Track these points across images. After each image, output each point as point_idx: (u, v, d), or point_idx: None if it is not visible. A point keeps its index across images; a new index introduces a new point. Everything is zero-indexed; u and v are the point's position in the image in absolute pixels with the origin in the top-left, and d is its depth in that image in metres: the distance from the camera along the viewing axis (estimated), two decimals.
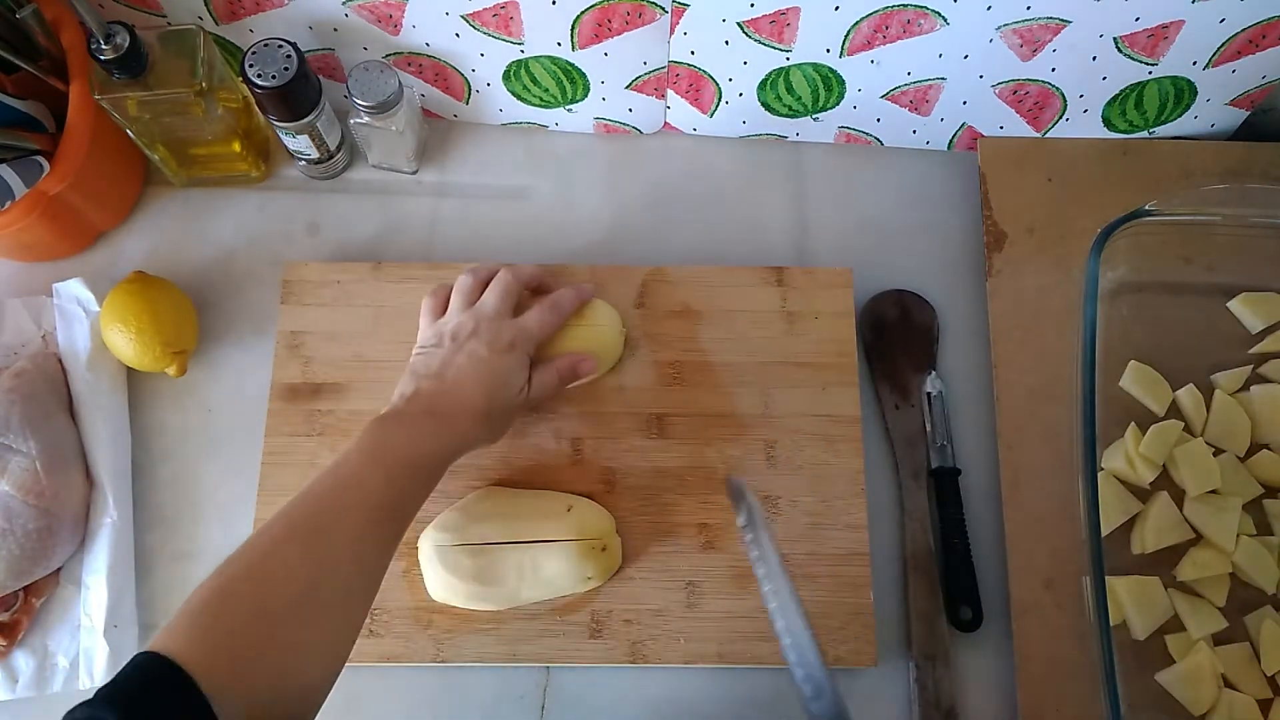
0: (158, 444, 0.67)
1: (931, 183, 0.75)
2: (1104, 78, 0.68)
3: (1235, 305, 0.68)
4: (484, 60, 0.69)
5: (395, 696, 0.62)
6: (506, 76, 0.70)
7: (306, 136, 0.68)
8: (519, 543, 0.60)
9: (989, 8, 0.61)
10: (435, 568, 0.60)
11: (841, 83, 0.69)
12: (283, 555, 0.48)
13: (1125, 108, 0.70)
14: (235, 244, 0.72)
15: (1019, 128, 0.73)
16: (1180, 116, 0.71)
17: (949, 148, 0.76)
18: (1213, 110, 0.71)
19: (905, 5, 0.61)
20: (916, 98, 0.70)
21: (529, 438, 0.65)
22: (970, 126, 0.73)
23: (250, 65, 0.63)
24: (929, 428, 0.67)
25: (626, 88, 0.71)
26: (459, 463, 0.58)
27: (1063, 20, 0.62)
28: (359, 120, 0.67)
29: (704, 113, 0.74)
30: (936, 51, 0.65)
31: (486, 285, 0.62)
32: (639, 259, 0.71)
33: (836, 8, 0.62)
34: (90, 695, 0.47)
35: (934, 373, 0.68)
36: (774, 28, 0.64)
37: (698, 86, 0.71)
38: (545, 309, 0.61)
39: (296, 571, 0.48)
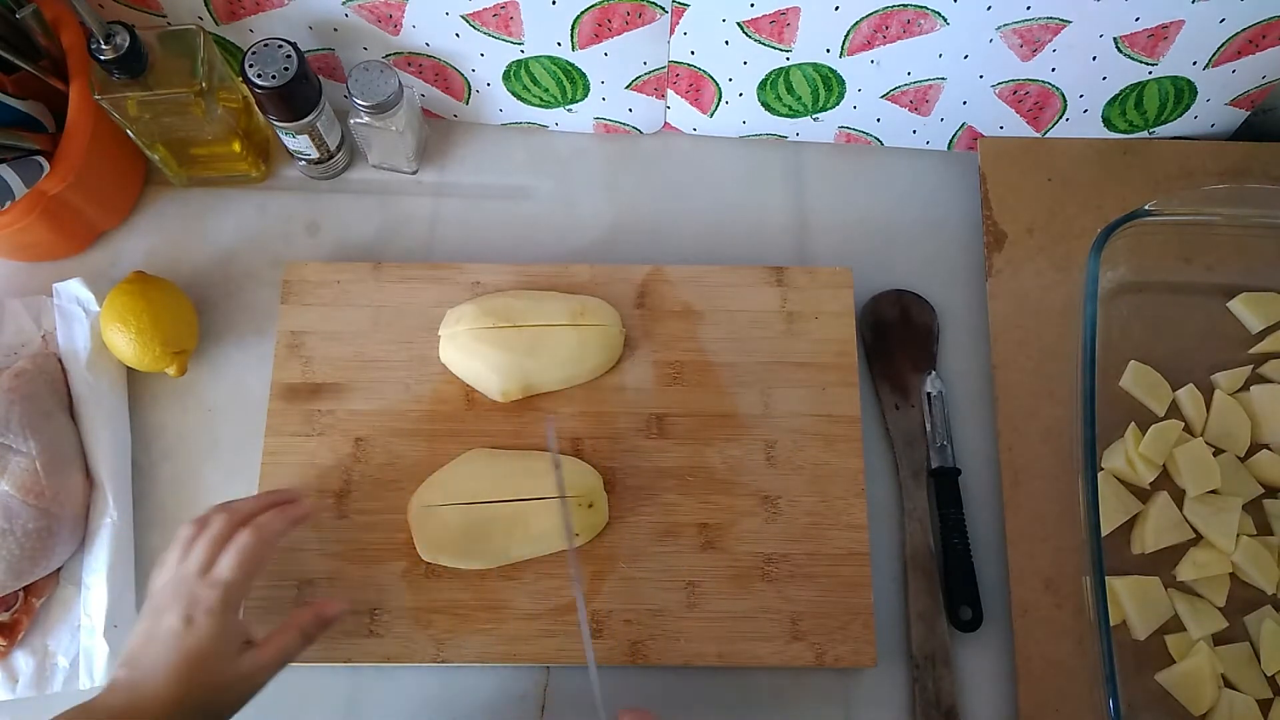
0: (158, 444, 0.67)
1: (931, 183, 0.75)
2: (1104, 78, 0.68)
3: (1235, 305, 0.68)
4: (484, 60, 0.69)
5: (395, 696, 0.62)
6: (506, 76, 0.70)
7: (306, 136, 0.68)
8: (507, 501, 0.61)
9: (989, 8, 0.61)
10: (425, 528, 0.61)
11: (841, 83, 0.69)
12: None
13: (1125, 108, 0.70)
14: (235, 244, 0.72)
15: (1019, 128, 0.73)
16: (1180, 116, 0.71)
17: (949, 148, 0.76)
18: (1213, 110, 0.71)
19: (905, 5, 0.61)
20: (916, 98, 0.70)
21: (529, 438, 0.65)
22: (970, 126, 0.73)
23: (250, 65, 0.63)
24: (929, 428, 0.67)
25: (626, 88, 0.71)
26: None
27: (1063, 20, 0.62)
28: (359, 120, 0.67)
29: (704, 113, 0.74)
30: (936, 51, 0.65)
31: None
32: (639, 259, 0.71)
33: (836, 8, 0.62)
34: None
35: (934, 373, 0.68)
36: (774, 28, 0.64)
37: (698, 86, 0.71)
38: (241, 546, 0.52)
39: None
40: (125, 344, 0.64)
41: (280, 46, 0.63)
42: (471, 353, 0.64)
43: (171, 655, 0.49)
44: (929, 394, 0.68)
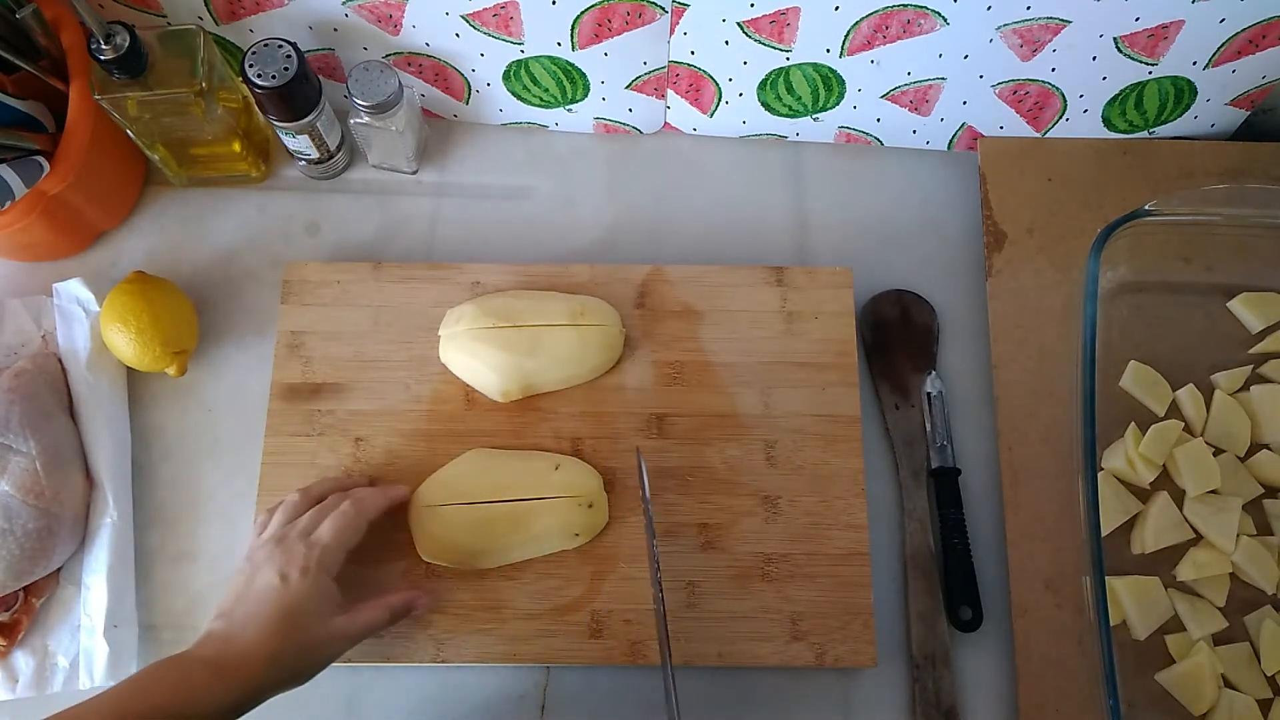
0: (158, 444, 0.67)
1: (931, 183, 0.75)
2: (1104, 78, 0.68)
3: (1235, 305, 0.68)
4: (484, 60, 0.69)
5: (395, 696, 0.62)
6: (506, 76, 0.70)
7: (306, 136, 0.68)
8: (507, 501, 0.61)
9: (989, 8, 0.61)
10: (425, 528, 0.61)
11: (841, 83, 0.69)
12: None
13: (1125, 108, 0.70)
14: (235, 244, 0.72)
15: (1019, 128, 0.73)
16: (1180, 116, 0.71)
17: (949, 148, 0.76)
18: (1213, 110, 0.71)
19: (905, 5, 0.61)
20: (916, 98, 0.70)
21: (529, 438, 0.65)
22: (970, 126, 0.73)
23: (250, 65, 0.63)
24: (929, 428, 0.67)
25: (626, 88, 0.71)
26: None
27: (1063, 20, 0.62)
28: (359, 120, 0.67)
29: (704, 113, 0.74)
30: (936, 51, 0.65)
31: (314, 503, 0.58)
32: (639, 259, 0.71)
33: (836, 8, 0.62)
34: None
35: (934, 373, 0.68)
36: (774, 28, 0.64)
37: (698, 86, 0.71)
38: (342, 514, 0.55)
39: None
40: (125, 344, 0.64)
41: (280, 46, 0.63)
42: (471, 353, 0.64)
43: (268, 609, 0.51)
44: (929, 394, 0.68)
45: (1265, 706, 0.59)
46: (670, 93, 0.72)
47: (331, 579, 0.54)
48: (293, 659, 0.51)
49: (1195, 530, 0.62)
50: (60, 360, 0.65)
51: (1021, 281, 0.69)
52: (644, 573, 0.62)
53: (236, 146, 0.69)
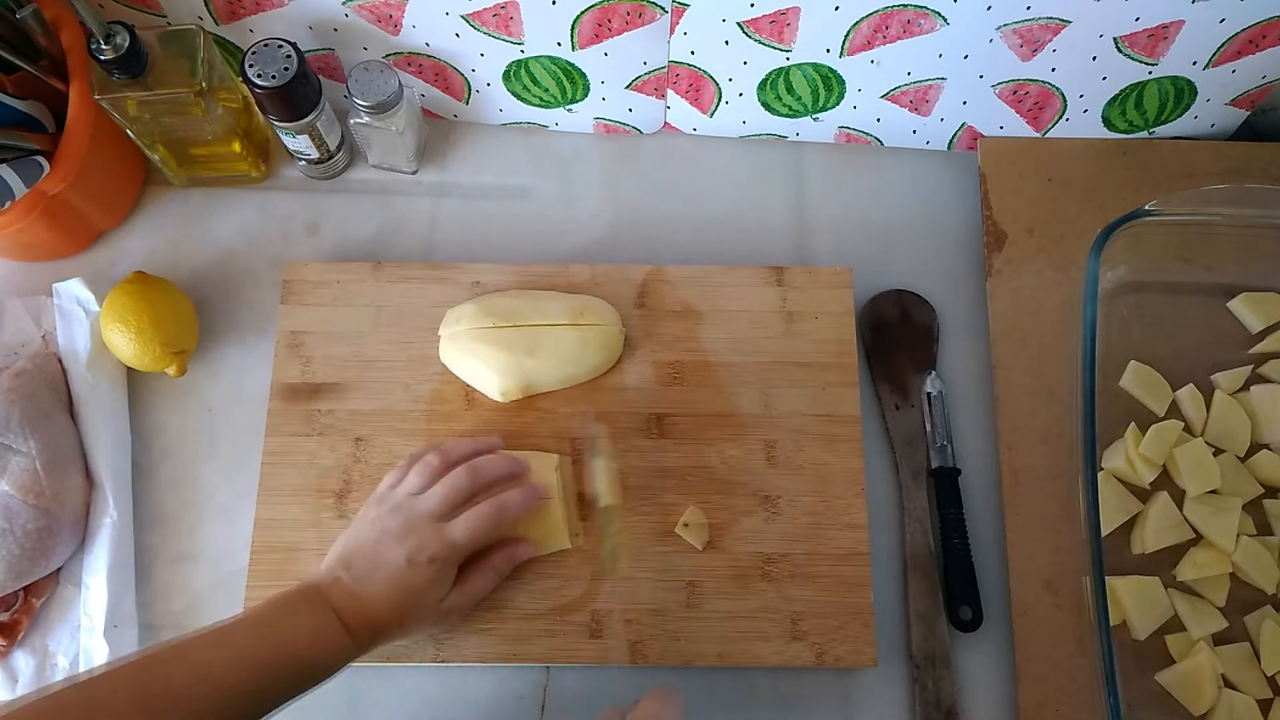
0: (158, 444, 0.67)
1: (931, 183, 0.75)
2: (1104, 78, 0.68)
3: (1235, 305, 0.68)
4: (484, 60, 0.69)
5: (395, 696, 0.62)
6: (506, 76, 0.70)
7: (306, 136, 0.68)
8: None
9: (989, 8, 0.62)
10: None
11: (841, 83, 0.69)
12: (112, 703, 0.45)
13: (1125, 108, 0.70)
14: (235, 244, 0.72)
15: (1019, 128, 0.73)
16: (1180, 116, 0.71)
17: (949, 148, 0.76)
18: (1213, 110, 0.71)
19: (905, 5, 0.61)
20: (916, 98, 0.70)
21: (529, 438, 0.65)
22: (970, 126, 0.73)
23: (250, 65, 0.63)
24: (929, 428, 0.67)
25: (626, 88, 0.71)
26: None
27: (1063, 20, 0.62)
28: (359, 120, 0.67)
29: (704, 113, 0.74)
30: (936, 51, 0.66)
31: (451, 468, 0.58)
32: (639, 259, 0.71)
33: (836, 8, 0.62)
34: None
35: (934, 373, 0.68)
36: (774, 28, 0.64)
37: (698, 86, 0.71)
38: (481, 518, 0.56)
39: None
40: (125, 344, 0.64)
41: (280, 46, 0.63)
42: (471, 353, 0.64)
43: (393, 586, 0.54)
44: (929, 394, 0.68)
45: (1265, 706, 0.59)
46: (670, 93, 0.72)
47: (454, 568, 0.56)
48: (410, 631, 0.55)
49: (1195, 530, 0.62)
50: (60, 360, 0.65)
51: (1021, 281, 0.69)
52: (644, 572, 0.62)
53: (236, 146, 0.69)
